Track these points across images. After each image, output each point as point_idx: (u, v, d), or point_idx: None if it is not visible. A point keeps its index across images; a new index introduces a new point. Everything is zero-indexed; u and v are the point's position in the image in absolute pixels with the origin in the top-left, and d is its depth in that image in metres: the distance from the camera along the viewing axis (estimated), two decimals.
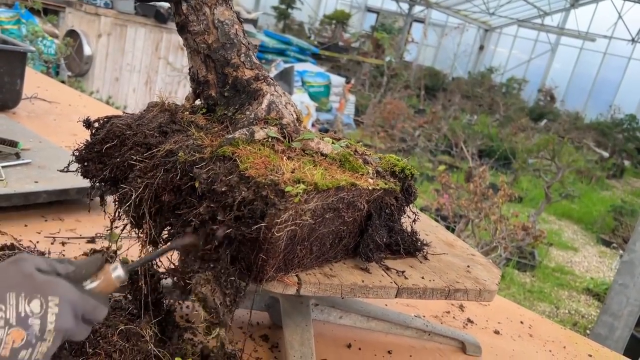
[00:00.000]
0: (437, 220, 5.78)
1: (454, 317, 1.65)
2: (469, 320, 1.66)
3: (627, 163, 13.54)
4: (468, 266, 1.18)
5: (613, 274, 6.50)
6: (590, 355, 1.63)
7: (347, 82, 12.42)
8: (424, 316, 1.58)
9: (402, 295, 1.00)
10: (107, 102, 5.88)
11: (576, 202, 9.18)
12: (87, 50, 6.78)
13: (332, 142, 1.08)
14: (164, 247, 0.84)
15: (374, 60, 14.90)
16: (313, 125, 9.68)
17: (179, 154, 0.91)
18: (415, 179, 1.14)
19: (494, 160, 9.33)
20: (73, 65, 6.82)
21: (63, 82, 5.74)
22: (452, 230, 5.06)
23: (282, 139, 1.00)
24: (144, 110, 1.14)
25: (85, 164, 1.10)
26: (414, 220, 1.18)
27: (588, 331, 4.85)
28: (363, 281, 0.99)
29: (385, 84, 12.86)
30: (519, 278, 5.86)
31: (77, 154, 1.10)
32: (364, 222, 1.04)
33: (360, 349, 1.36)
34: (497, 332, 1.63)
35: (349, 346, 1.36)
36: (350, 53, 15.26)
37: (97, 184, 1.09)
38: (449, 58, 18.98)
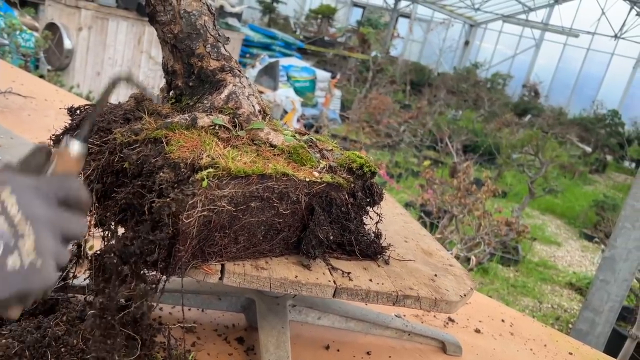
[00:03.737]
0: (421, 216, 5.78)
1: (434, 316, 1.63)
2: (450, 319, 1.64)
3: (609, 158, 13.69)
4: (435, 275, 1.13)
5: (595, 268, 6.57)
6: (571, 353, 1.62)
7: (333, 77, 12.38)
8: (404, 315, 1.56)
9: (341, 296, 0.97)
10: (88, 97, 5.79)
11: (559, 197, 9.26)
12: (67, 44, 6.66)
13: (293, 135, 1.05)
14: (99, 103, 0.75)
15: (359, 55, 14.87)
16: (298, 120, 9.62)
17: (117, 136, 0.90)
18: (378, 176, 1.10)
19: (479, 155, 9.36)
20: (53, 59, 6.69)
21: (42, 76, 5.63)
22: (436, 227, 5.06)
23: (230, 127, 0.98)
24: (125, 101, 1.15)
25: None
26: (377, 222, 1.14)
27: (570, 325, 4.89)
28: (296, 277, 0.95)
29: (371, 79, 12.83)
30: (503, 273, 5.89)
31: (54, 137, 1.11)
32: (306, 216, 1.01)
33: (338, 350, 1.33)
34: (478, 331, 1.61)
35: (327, 347, 1.33)
36: (336, 48, 15.21)
37: None
38: (435, 53, 19.01)
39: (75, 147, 0.65)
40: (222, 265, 0.93)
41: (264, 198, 0.91)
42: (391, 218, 1.47)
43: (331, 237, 1.03)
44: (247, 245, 0.95)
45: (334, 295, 0.96)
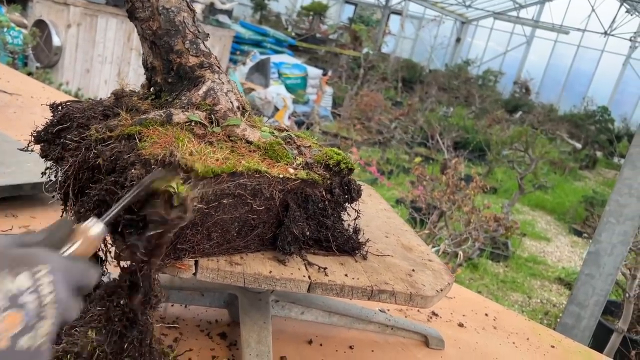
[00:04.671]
0: (411, 213, 5.80)
1: (418, 311, 1.64)
2: (434, 314, 1.65)
3: (599, 154, 13.79)
4: (413, 270, 1.13)
5: None
6: (553, 346, 1.64)
7: (324, 74, 12.37)
8: (387, 310, 1.57)
9: (315, 291, 0.97)
10: (77, 95, 5.76)
11: (549, 192, 9.32)
12: (56, 41, 6.61)
13: (271, 132, 1.06)
14: (137, 185, 0.77)
15: (351, 52, 14.87)
16: (290, 117, 9.62)
17: (92, 132, 0.91)
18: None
19: (469, 152, 9.40)
20: (42, 56, 6.65)
21: (30, 73, 5.60)
22: (426, 223, 5.08)
23: (206, 123, 0.99)
24: (106, 98, 1.16)
25: (42, 144, 1.12)
26: (356, 218, 1.14)
27: (559, 320, 4.94)
28: (270, 272, 0.96)
29: (362, 76, 12.85)
30: (493, 268, 5.93)
31: (36, 134, 1.12)
32: (281, 212, 1.01)
33: (321, 344, 1.34)
34: (461, 325, 1.63)
35: (310, 342, 1.34)
36: (328, 45, 15.20)
37: (50, 163, 1.11)
38: (426, 50, 19.06)
39: (97, 230, 0.67)
40: (196, 261, 0.93)
41: (236, 195, 0.91)
42: (374, 214, 1.48)
43: (307, 233, 1.03)
44: (221, 241, 0.95)
45: (308, 290, 0.96)
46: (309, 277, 0.97)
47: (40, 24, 6.63)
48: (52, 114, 1.14)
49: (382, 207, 1.56)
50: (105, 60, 7.18)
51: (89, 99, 1.17)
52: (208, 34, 1.08)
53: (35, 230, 0.67)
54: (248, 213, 0.95)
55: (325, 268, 1.01)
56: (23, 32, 6.03)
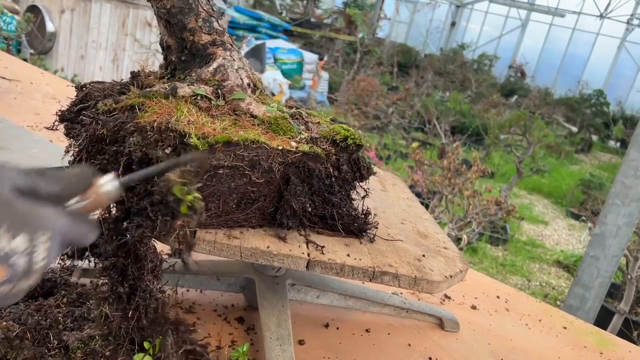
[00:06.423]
0: None
1: (432, 294, 1.64)
2: (446, 296, 1.65)
3: (594, 138, 13.83)
4: (423, 255, 1.11)
5: (582, 246, 6.67)
6: (565, 327, 1.65)
7: (320, 59, 12.29)
8: (401, 293, 1.57)
9: (314, 269, 0.95)
10: (72, 81, 5.69)
11: (546, 176, 9.34)
12: (49, 27, 6.52)
13: (280, 109, 1.05)
14: (168, 161, 0.78)
15: (346, 37, 14.76)
16: (286, 103, 9.54)
17: (99, 104, 0.92)
18: (368, 158, 1.07)
19: (467, 136, 9.39)
20: (35, 43, 6.56)
21: (25, 60, 5.52)
22: (427, 207, 5.09)
23: (212, 97, 0.99)
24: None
25: (66, 123, 1.13)
26: (364, 197, 1.10)
27: (559, 302, 4.98)
28: (268, 247, 0.94)
29: (358, 61, 12.77)
30: (492, 252, 5.96)
31: (60, 113, 1.13)
32: (282, 186, 0.99)
33: (338, 328, 1.34)
34: (474, 307, 1.63)
35: (327, 325, 1.33)
36: (323, 29, 15.07)
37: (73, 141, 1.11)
38: (421, 34, 18.95)
39: (110, 187, 0.65)
40: (193, 232, 0.91)
41: (231, 166, 0.90)
42: (395, 201, 1.46)
43: (309, 209, 1.01)
44: (219, 212, 0.93)
45: (307, 268, 0.94)
46: (308, 254, 0.95)
47: (34, 10, 6.53)
48: (76, 94, 1.15)
49: (405, 196, 1.55)
50: (99, 46, 7.09)
51: (113, 80, 1.16)
52: (223, 12, 1.06)
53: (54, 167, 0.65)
54: (247, 185, 0.93)
55: (323, 246, 0.99)
56: (16, 18, 5.93)
